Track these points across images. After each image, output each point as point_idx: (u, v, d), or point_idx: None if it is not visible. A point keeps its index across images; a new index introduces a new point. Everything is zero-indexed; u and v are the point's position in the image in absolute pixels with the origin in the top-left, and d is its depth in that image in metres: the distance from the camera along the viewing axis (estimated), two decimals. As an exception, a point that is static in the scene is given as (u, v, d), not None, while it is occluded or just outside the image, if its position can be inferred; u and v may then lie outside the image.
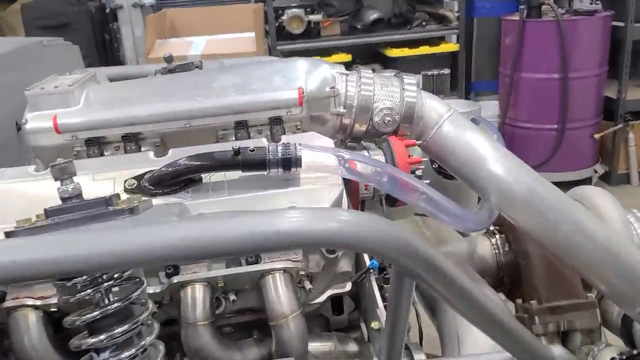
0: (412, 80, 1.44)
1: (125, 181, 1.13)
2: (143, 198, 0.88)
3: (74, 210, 0.77)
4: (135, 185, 1.13)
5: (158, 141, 1.32)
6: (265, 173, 1.12)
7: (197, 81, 1.36)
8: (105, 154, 1.30)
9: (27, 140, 1.26)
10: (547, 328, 1.45)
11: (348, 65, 4.91)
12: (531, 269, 1.53)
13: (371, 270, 1.20)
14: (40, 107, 1.26)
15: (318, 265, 1.23)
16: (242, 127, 1.31)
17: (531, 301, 1.48)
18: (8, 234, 0.74)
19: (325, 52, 4.98)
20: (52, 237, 0.64)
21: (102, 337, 0.79)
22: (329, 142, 1.24)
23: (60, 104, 1.26)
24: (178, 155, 1.19)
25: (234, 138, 1.32)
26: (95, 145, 1.28)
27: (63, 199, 0.80)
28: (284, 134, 1.34)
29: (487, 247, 1.64)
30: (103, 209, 0.76)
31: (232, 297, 1.20)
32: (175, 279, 1.13)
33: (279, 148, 1.11)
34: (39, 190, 1.13)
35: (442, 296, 0.86)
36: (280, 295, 1.14)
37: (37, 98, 1.26)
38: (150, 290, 1.12)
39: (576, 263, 1.26)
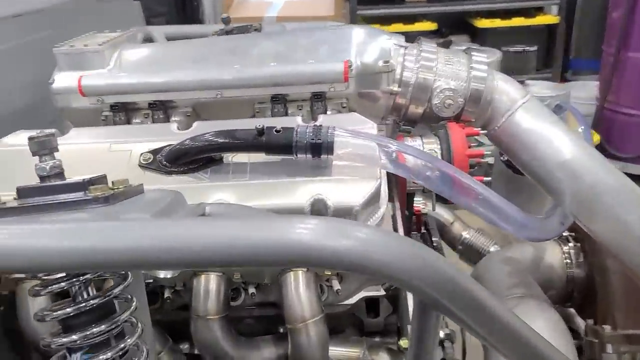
0: (482, 58, 1.23)
1: (141, 155, 1.03)
2: (136, 184, 0.77)
3: (46, 193, 0.67)
4: (151, 160, 1.02)
5: (189, 111, 1.21)
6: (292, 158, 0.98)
7: (237, 47, 1.22)
8: (134, 121, 1.21)
9: (54, 101, 1.19)
10: (620, 358, 1.24)
11: (433, 35, 4.63)
12: (609, 288, 1.31)
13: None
14: (68, 66, 1.19)
15: (348, 265, 1.09)
16: (278, 102, 1.16)
17: (604, 325, 1.26)
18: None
19: (409, 19, 4.70)
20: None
21: (74, 337, 0.69)
22: (371, 126, 1.07)
23: (88, 64, 1.18)
24: (202, 129, 1.07)
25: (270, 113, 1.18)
26: (122, 112, 1.18)
27: (41, 177, 0.70)
28: (326, 111, 1.18)
29: (557, 255, 1.43)
30: (77, 195, 0.65)
31: (251, 289, 1.09)
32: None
33: (309, 131, 0.96)
34: (68, 155, 1.06)
35: (479, 336, 0.69)
36: (300, 296, 1.01)
37: (65, 56, 1.18)
38: (162, 275, 1.03)
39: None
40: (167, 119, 1.20)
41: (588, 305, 1.40)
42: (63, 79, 1.18)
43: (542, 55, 4.53)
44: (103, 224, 0.54)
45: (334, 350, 1.14)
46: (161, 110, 1.18)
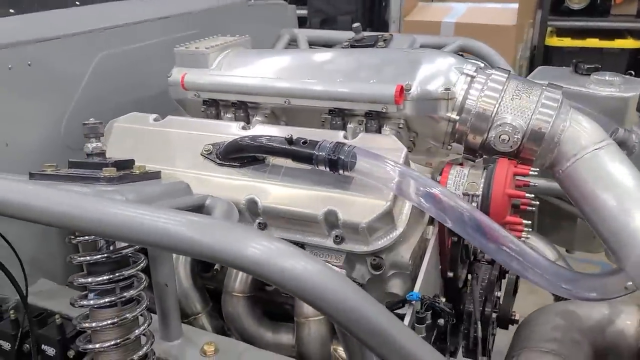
0: (554, 95, 1.16)
1: (205, 146, 1.22)
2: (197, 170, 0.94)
3: (85, 167, 0.89)
4: (210, 151, 1.21)
5: (268, 113, 1.37)
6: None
7: (318, 61, 1.34)
8: (224, 116, 1.41)
9: (170, 91, 1.45)
10: None
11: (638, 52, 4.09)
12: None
13: (412, 302, 1.06)
14: (182, 63, 1.43)
15: (362, 278, 1.15)
16: (336, 115, 1.25)
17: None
18: (31, 175, 0.90)
19: (609, 35, 4.23)
20: (33, 187, 0.75)
21: (89, 279, 0.90)
22: (399, 151, 1.10)
23: (196, 63, 1.41)
24: (260, 132, 1.23)
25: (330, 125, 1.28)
26: (213, 107, 1.39)
27: (87, 154, 0.93)
28: (380, 130, 1.24)
29: (633, 321, 1.27)
30: (94, 172, 0.85)
31: (282, 279, 1.22)
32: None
33: (330, 147, 1.04)
34: (156, 135, 1.31)
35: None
36: (310, 295, 1.11)
37: (180, 55, 1.43)
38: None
39: None
40: (247, 118, 1.37)
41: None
42: (176, 74, 1.42)
43: None
44: (78, 196, 0.72)
45: (343, 352, 1.20)
46: (242, 109, 1.36)
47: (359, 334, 0.69)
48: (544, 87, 1.18)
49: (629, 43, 4.16)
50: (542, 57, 4.30)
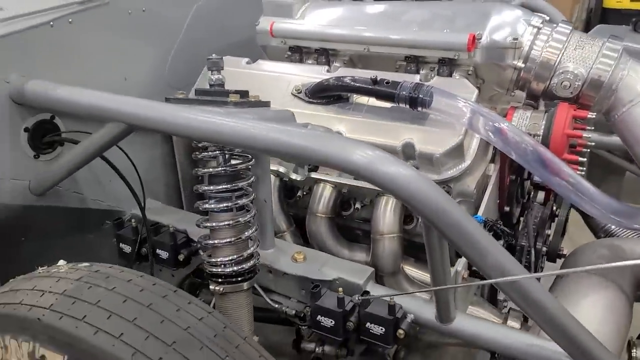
0: (615, 46, 1.27)
1: (295, 86, 1.39)
2: (286, 107, 1.13)
3: (210, 95, 1.07)
4: (300, 91, 1.38)
5: (346, 59, 1.52)
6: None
7: (393, 12, 1.48)
8: (306, 62, 1.57)
9: (257, 39, 1.62)
10: None
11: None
12: None
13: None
14: (269, 13, 1.59)
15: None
16: (412, 62, 1.40)
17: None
18: (167, 99, 1.09)
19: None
20: (170, 107, 0.94)
21: (210, 187, 1.10)
22: (472, 93, 1.24)
23: (282, 13, 1.56)
24: (343, 73, 1.38)
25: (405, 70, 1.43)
26: (297, 53, 1.55)
27: (210, 85, 1.11)
28: (451, 75, 1.38)
29: (674, 258, 1.40)
30: (221, 98, 1.03)
31: (358, 205, 1.40)
32: (313, 174, 1.37)
33: (411, 86, 1.20)
34: (249, 76, 1.49)
35: (462, 252, 0.88)
36: (385, 215, 1.29)
37: (268, 6, 1.59)
38: (293, 177, 1.40)
39: None
40: (328, 64, 1.53)
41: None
42: (264, 23, 1.58)
43: None
44: (218, 115, 0.90)
45: (411, 270, 1.38)
46: (324, 55, 1.52)
47: (442, 227, 0.85)
48: (605, 40, 1.29)
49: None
50: (598, 18, 4.27)
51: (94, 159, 1.21)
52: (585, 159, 1.24)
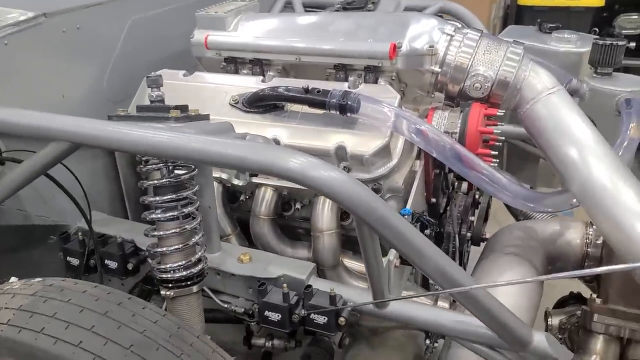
0: (517, 50, 1.42)
1: (232, 97, 1.46)
2: (224, 117, 1.20)
3: (151, 110, 1.13)
4: (237, 101, 1.46)
5: (280, 69, 1.61)
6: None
7: (322, 23, 1.58)
8: (241, 72, 1.64)
9: (192, 51, 1.68)
10: (607, 329, 1.41)
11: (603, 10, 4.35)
12: (611, 268, 1.46)
13: (405, 216, 1.35)
14: (203, 26, 1.65)
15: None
16: (340, 70, 1.51)
17: (597, 298, 1.44)
18: (110, 117, 1.15)
19: (576, -7, 4.46)
20: (114, 125, 0.99)
21: (156, 198, 1.16)
22: (394, 97, 1.37)
23: (216, 26, 1.63)
24: (277, 84, 1.47)
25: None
26: (232, 64, 1.63)
27: (151, 101, 1.17)
28: (376, 81, 1.49)
29: (579, 234, 1.58)
30: (162, 114, 1.10)
31: (298, 205, 1.49)
32: (254, 179, 1.46)
33: (340, 94, 1.30)
34: (187, 88, 1.55)
35: (390, 245, 0.99)
36: (323, 214, 1.39)
37: (202, 19, 1.65)
38: (236, 182, 1.47)
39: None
40: (262, 73, 1.61)
41: (597, 281, 1.55)
42: (198, 36, 1.65)
43: None
44: (161, 131, 0.96)
45: (349, 262, 1.49)
46: (258, 65, 1.60)
47: (371, 222, 0.95)
48: (509, 44, 1.45)
49: (593, 1, 4.43)
50: (514, 15, 4.56)
51: (38, 177, 1.24)
52: (496, 152, 1.39)
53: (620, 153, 1.47)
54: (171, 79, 1.55)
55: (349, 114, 1.31)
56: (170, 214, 1.16)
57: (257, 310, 1.26)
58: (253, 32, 1.61)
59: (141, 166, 1.16)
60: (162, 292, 1.18)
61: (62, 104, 1.45)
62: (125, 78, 1.60)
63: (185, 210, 1.18)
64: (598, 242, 1.54)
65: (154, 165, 1.15)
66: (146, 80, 1.17)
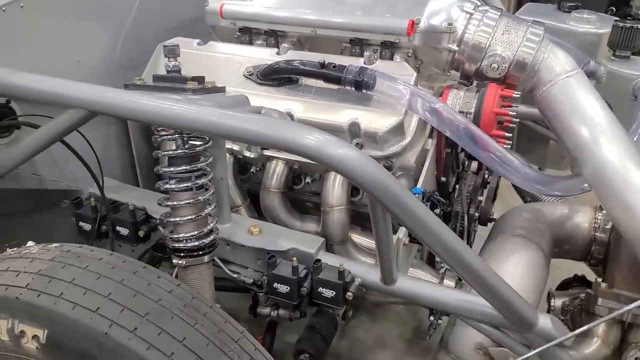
0: (537, 31, 1.40)
1: (246, 68, 1.46)
2: (238, 89, 1.20)
3: (168, 81, 1.13)
4: (252, 72, 1.45)
5: (295, 41, 1.60)
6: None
7: (340, -4, 1.56)
8: (255, 42, 1.63)
9: (206, 19, 1.66)
10: (610, 313, 1.43)
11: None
12: (618, 252, 1.47)
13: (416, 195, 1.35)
14: (219, -6, 1.63)
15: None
16: (356, 44, 1.49)
17: (602, 282, 1.46)
18: (126, 86, 1.14)
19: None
20: (132, 95, 0.99)
21: (172, 168, 1.17)
22: (410, 75, 1.36)
23: (231, -5, 1.61)
24: (292, 56, 1.46)
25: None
26: (247, 34, 1.61)
27: (167, 71, 1.17)
28: (392, 57, 1.48)
29: (587, 218, 1.60)
30: (179, 84, 1.10)
31: (308, 179, 1.50)
32: (265, 152, 1.46)
33: (356, 70, 1.29)
34: (202, 58, 1.54)
35: (407, 227, 1.00)
36: (334, 189, 1.40)
37: (217, -13, 1.63)
38: (247, 154, 1.47)
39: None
40: (277, 45, 1.60)
41: (604, 267, 1.57)
42: (213, 4, 1.62)
43: None
44: (179, 102, 0.96)
45: (357, 238, 1.51)
46: (273, 37, 1.58)
47: (384, 201, 0.96)
48: (529, 24, 1.43)
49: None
50: (531, -8, 4.47)
51: (54, 143, 1.25)
52: (511, 134, 1.39)
53: (635, 139, 1.47)
54: (185, 48, 1.53)
55: (364, 91, 1.30)
56: (185, 184, 1.17)
57: (266, 281, 1.28)
58: (269, 2, 1.59)
59: (156, 136, 1.16)
60: (175, 261, 1.20)
61: (77, 69, 1.45)
62: (139, 45, 1.58)
63: (199, 182, 1.19)
64: (607, 227, 1.55)
65: (169, 136, 1.16)
66: (163, 49, 1.16)
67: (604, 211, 1.59)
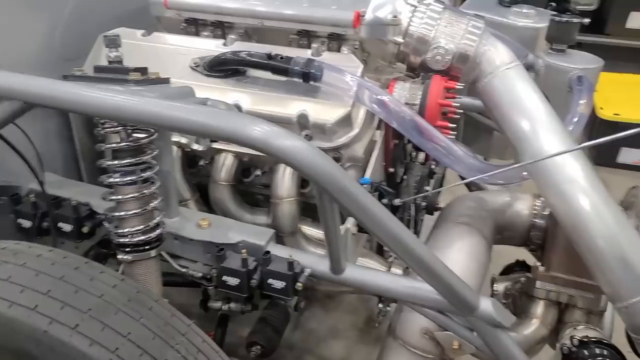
0: (478, 24, 1.44)
1: (192, 59, 1.43)
2: (185, 81, 1.18)
3: (109, 72, 1.10)
4: (198, 64, 1.43)
5: (242, 32, 1.58)
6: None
7: (286, -13, 1.55)
8: (201, 34, 1.60)
9: (150, 9, 1.62)
10: (547, 295, 1.49)
11: None
12: (555, 236, 1.54)
13: (364, 186, 1.37)
14: (162, -15, 1.60)
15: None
16: (304, 36, 1.49)
17: (541, 266, 1.52)
18: (65, 77, 1.11)
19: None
20: (72, 86, 0.96)
21: (115, 162, 1.14)
22: (357, 67, 1.37)
23: (176, -16, 1.58)
24: (239, 48, 1.45)
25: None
26: (193, 25, 1.59)
27: (109, 62, 1.13)
28: (339, 50, 1.49)
29: (527, 205, 1.65)
30: (121, 75, 1.07)
31: (258, 172, 1.50)
32: (214, 145, 1.44)
33: (303, 62, 1.30)
34: (146, 49, 1.51)
35: (351, 215, 1.01)
36: (283, 181, 1.40)
37: (161, -23, 1.59)
38: (196, 147, 1.46)
39: (581, 245, 1.25)
40: (224, 36, 1.58)
41: (541, 250, 1.63)
42: (157, -7, 1.59)
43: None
44: (121, 94, 0.94)
45: (308, 229, 1.52)
46: (220, 28, 1.57)
47: (331, 191, 0.97)
48: (471, 18, 1.47)
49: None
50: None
51: (-11, 137, 1.19)
52: (455, 125, 1.43)
53: (570, 128, 1.54)
54: (129, 39, 1.50)
55: (311, 82, 1.31)
56: (129, 178, 1.15)
57: (215, 275, 1.27)
58: (215, -7, 1.57)
59: (99, 129, 1.13)
60: (120, 256, 1.18)
61: (16, 60, 1.38)
62: (81, 35, 1.53)
63: (144, 175, 1.16)
64: (545, 213, 1.62)
65: (112, 128, 1.13)
66: (103, 39, 1.13)
67: (542, 198, 1.65)
